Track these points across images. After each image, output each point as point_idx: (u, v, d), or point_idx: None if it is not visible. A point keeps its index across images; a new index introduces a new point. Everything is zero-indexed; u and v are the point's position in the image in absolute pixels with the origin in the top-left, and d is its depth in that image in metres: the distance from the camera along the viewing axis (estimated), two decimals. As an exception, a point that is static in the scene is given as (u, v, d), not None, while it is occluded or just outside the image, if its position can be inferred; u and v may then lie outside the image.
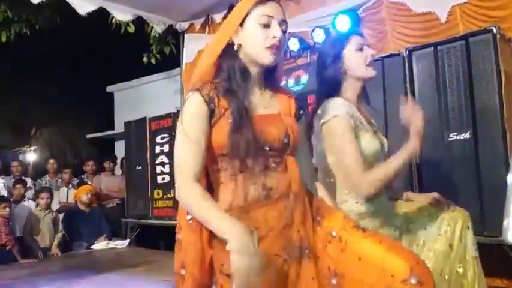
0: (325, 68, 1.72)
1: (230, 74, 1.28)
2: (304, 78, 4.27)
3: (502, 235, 2.52)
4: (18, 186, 5.18)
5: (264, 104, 1.33)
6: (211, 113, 1.24)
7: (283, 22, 1.29)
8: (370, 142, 1.63)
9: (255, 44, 1.27)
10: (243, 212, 1.22)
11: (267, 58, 1.27)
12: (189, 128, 1.23)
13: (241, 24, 1.28)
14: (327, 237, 1.25)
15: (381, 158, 1.66)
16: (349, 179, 1.55)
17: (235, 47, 1.29)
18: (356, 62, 1.68)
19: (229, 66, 1.29)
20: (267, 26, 1.26)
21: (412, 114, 1.54)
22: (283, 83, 3.21)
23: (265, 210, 1.23)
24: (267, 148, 1.25)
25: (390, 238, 1.30)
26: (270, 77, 1.36)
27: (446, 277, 1.56)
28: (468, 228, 1.62)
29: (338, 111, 1.58)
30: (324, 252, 1.24)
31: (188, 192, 1.21)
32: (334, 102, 1.62)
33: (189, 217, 1.26)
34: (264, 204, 1.23)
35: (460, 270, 1.56)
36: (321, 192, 1.49)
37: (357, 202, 1.58)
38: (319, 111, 1.64)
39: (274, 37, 1.26)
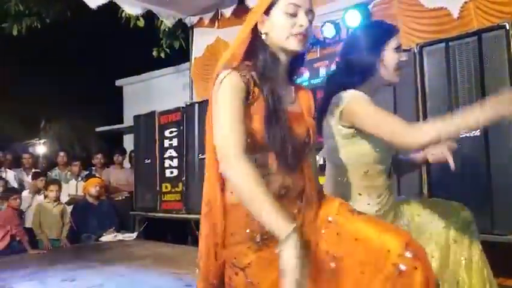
0: (360, 56, 1.58)
1: (263, 59, 1.27)
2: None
3: None
4: (41, 178, 5.26)
5: (290, 99, 1.33)
6: (247, 94, 1.22)
7: (309, 12, 1.28)
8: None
9: (281, 32, 1.27)
10: None
11: (293, 44, 1.27)
12: (233, 104, 1.19)
13: (267, 13, 1.28)
14: (324, 224, 1.25)
15: (391, 154, 1.63)
16: (397, 138, 1.39)
17: (263, 36, 1.29)
18: (390, 64, 1.60)
19: (260, 51, 1.28)
20: (293, 15, 1.26)
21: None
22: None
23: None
24: (291, 145, 1.24)
25: (385, 221, 1.30)
26: (292, 71, 1.37)
27: (450, 269, 1.55)
28: (471, 223, 1.60)
29: (356, 94, 1.51)
30: (321, 238, 1.24)
31: (240, 172, 1.13)
32: (350, 92, 1.54)
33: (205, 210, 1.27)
34: (280, 205, 1.21)
35: (464, 263, 1.55)
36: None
37: (368, 204, 1.55)
38: (333, 101, 1.55)
39: (301, 26, 1.26)
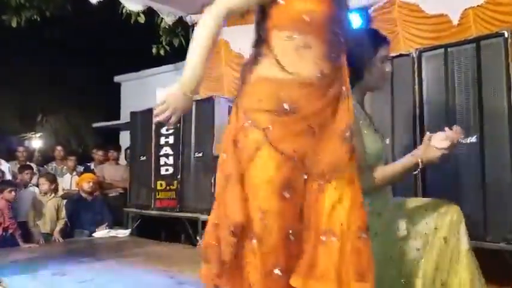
0: (350, 61, 1.67)
1: None
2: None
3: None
4: (27, 171, 5.21)
5: None
6: None
7: None
8: (374, 140, 1.61)
9: None
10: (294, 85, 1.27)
11: None
12: None
13: None
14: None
15: (383, 158, 1.65)
16: None
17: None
18: (378, 73, 1.66)
19: None
20: None
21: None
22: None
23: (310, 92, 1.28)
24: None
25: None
26: None
27: (441, 269, 1.56)
28: (460, 222, 1.61)
29: None
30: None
31: (205, 20, 1.29)
32: None
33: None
34: (316, 86, 1.28)
35: (455, 263, 1.56)
36: None
37: None
38: None
39: None
